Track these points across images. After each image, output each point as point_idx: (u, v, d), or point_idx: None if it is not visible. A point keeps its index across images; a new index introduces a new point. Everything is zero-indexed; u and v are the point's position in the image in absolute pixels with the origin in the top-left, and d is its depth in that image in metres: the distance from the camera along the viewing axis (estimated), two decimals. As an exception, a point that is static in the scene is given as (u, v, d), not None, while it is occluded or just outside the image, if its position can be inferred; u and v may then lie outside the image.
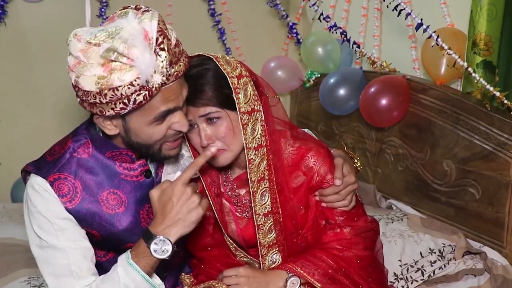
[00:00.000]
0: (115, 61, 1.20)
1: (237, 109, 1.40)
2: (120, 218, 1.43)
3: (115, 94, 1.22)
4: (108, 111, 1.26)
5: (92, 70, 1.22)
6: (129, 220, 1.44)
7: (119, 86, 1.21)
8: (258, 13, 3.29)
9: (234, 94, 1.39)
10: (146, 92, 1.23)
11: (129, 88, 1.21)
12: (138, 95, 1.23)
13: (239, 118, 1.41)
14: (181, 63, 1.29)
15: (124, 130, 1.34)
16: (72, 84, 1.27)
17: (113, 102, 1.24)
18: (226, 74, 1.39)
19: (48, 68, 2.89)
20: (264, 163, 1.46)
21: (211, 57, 1.42)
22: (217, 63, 1.41)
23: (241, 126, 1.41)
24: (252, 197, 1.47)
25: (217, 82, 1.40)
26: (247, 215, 1.57)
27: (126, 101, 1.23)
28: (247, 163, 1.44)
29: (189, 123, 1.41)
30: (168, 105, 1.30)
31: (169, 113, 1.32)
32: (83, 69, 1.22)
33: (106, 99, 1.23)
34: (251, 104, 1.43)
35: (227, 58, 1.44)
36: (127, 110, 1.26)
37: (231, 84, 1.39)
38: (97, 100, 1.24)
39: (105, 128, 1.34)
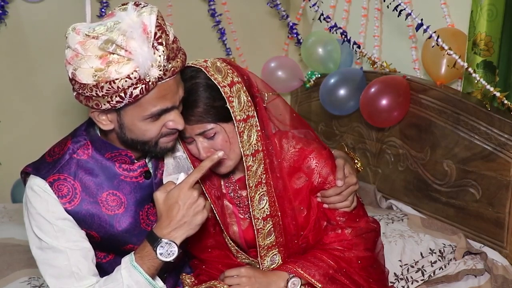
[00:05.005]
0: (113, 54, 1.20)
1: (233, 118, 1.39)
2: (120, 219, 1.43)
3: (112, 87, 1.21)
4: (104, 104, 1.26)
5: (89, 62, 1.21)
6: (129, 221, 1.44)
7: (116, 79, 1.21)
8: (259, 13, 3.29)
9: (228, 104, 1.37)
10: (143, 86, 1.23)
11: (126, 81, 1.21)
12: (134, 88, 1.23)
13: (236, 127, 1.40)
14: (178, 59, 1.30)
15: (118, 126, 1.34)
16: (69, 77, 1.27)
17: (110, 95, 1.23)
18: (217, 84, 1.37)
19: (48, 68, 2.88)
20: (261, 167, 1.46)
21: (201, 68, 1.39)
22: (206, 73, 1.38)
23: (237, 135, 1.41)
24: (250, 202, 1.47)
25: (209, 95, 1.38)
26: (249, 216, 1.56)
27: (122, 94, 1.23)
28: (246, 169, 1.44)
29: (187, 140, 1.43)
30: (165, 104, 1.30)
31: (165, 112, 1.32)
32: (81, 61, 1.22)
33: (102, 92, 1.22)
34: (245, 111, 1.41)
35: (218, 65, 1.41)
36: (123, 104, 1.26)
37: (223, 94, 1.37)
38: (94, 93, 1.24)
39: (100, 123, 1.34)
